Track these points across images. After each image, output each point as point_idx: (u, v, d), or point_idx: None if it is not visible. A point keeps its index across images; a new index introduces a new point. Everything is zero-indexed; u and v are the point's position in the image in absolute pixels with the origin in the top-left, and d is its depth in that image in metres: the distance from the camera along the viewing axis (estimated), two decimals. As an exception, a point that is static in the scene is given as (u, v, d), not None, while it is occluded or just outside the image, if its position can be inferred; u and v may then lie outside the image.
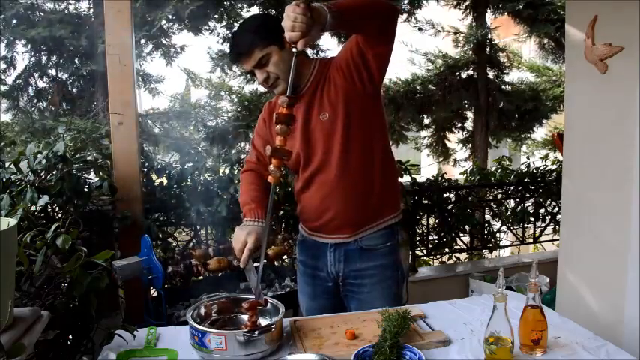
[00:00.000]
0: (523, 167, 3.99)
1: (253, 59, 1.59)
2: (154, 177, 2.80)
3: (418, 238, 3.64)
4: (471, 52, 6.39)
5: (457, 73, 6.40)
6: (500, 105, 6.44)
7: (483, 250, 4.08)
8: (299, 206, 1.78)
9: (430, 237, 3.70)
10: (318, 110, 1.61)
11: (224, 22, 5.93)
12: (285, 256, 2.85)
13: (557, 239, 3.39)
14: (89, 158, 2.32)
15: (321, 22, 1.29)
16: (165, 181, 2.79)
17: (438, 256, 3.91)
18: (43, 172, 1.96)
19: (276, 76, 1.60)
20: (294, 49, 1.32)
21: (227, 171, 2.93)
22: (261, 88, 6.52)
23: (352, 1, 1.41)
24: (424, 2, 5.94)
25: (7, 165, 2.04)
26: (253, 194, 1.70)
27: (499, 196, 3.95)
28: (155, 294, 2.29)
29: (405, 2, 5.84)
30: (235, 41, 1.68)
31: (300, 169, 1.68)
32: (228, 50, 6.31)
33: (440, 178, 3.67)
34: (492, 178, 3.88)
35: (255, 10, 5.61)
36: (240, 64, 1.66)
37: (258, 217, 1.62)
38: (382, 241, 1.68)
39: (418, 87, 6.33)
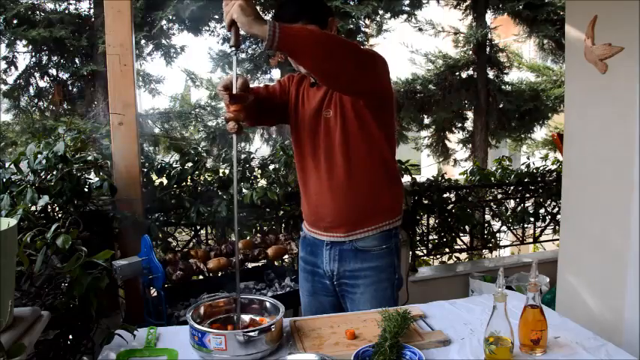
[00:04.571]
0: (523, 167, 3.99)
1: None
2: (154, 177, 2.80)
3: (418, 238, 3.64)
4: (471, 53, 6.39)
5: (457, 73, 6.41)
6: (501, 105, 6.45)
7: (483, 250, 4.08)
8: (301, 200, 1.80)
9: (430, 237, 3.70)
10: (326, 106, 1.62)
11: (224, 23, 5.93)
12: (285, 256, 2.85)
13: (557, 239, 3.39)
14: (89, 158, 2.31)
15: (261, 21, 1.25)
16: (165, 181, 2.79)
17: (438, 256, 3.91)
18: (43, 172, 1.96)
19: None
20: (232, 48, 1.31)
21: (227, 171, 2.93)
22: (262, 88, 6.52)
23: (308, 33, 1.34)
24: (424, 2, 5.95)
25: (7, 165, 2.04)
26: None
27: (499, 196, 3.95)
28: (155, 294, 2.29)
29: (406, 2, 5.84)
30: (279, 11, 1.60)
31: (302, 157, 1.70)
32: (229, 50, 6.34)
33: (440, 178, 3.67)
34: (492, 178, 3.88)
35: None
36: None
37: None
38: (378, 244, 1.68)
39: (418, 87, 6.34)
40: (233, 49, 1.32)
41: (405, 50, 6.68)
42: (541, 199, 3.94)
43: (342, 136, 1.59)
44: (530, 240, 4.07)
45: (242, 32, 1.31)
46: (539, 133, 7.36)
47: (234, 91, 1.37)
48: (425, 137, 7.29)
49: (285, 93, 1.73)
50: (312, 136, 1.65)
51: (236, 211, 1.40)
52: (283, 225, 2.98)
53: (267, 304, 1.47)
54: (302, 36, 1.31)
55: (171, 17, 5.38)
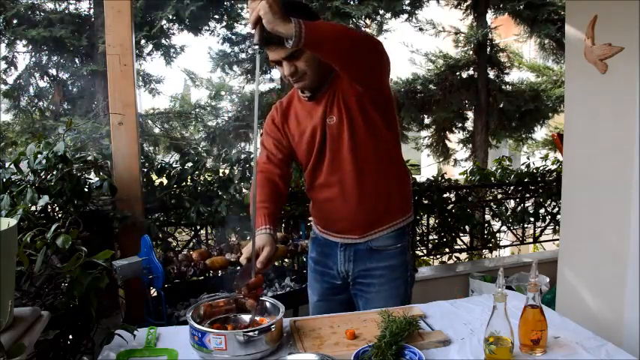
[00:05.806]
0: (523, 167, 3.99)
1: (286, 50, 1.45)
2: (154, 177, 2.80)
3: (418, 238, 3.64)
4: (471, 52, 6.39)
5: (458, 73, 6.41)
6: (501, 105, 6.45)
7: (483, 250, 4.08)
8: (310, 203, 1.79)
9: (430, 237, 3.70)
10: (329, 113, 1.60)
11: (224, 23, 5.94)
12: (285, 257, 2.84)
13: (557, 239, 3.39)
14: (89, 158, 2.31)
15: (286, 19, 1.24)
16: (165, 181, 2.79)
17: (438, 256, 3.91)
18: (43, 172, 1.96)
19: (304, 72, 1.53)
20: (256, 46, 1.30)
21: (227, 171, 2.93)
22: (262, 88, 6.53)
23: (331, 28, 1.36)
24: (425, 2, 5.95)
25: (7, 165, 2.04)
26: (262, 198, 1.60)
27: (499, 196, 3.95)
28: (155, 294, 2.29)
29: (406, 2, 5.84)
30: None
31: (310, 168, 1.68)
32: (229, 50, 6.34)
33: (440, 178, 3.67)
34: (492, 178, 3.88)
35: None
36: (269, 51, 1.53)
37: (266, 224, 1.53)
38: (392, 242, 1.69)
39: (419, 87, 6.34)
40: (257, 47, 1.31)
41: (406, 50, 6.69)
42: (541, 199, 3.94)
43: (349, 138, 1.58)
44: (530, 240, 4.07)
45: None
46: (540, 133, 7.36)
47: (252, 276, 1.40)
48: (425, 137, 7.29)
49: (285, 135, 1.71)
50: (318, 147, 1.63)
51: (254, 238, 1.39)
52: (283, 225, 2.98)
53: (267, 304, 1.47)
54: (327, 31, 1.33)
55: (171, 17, 5.38)
